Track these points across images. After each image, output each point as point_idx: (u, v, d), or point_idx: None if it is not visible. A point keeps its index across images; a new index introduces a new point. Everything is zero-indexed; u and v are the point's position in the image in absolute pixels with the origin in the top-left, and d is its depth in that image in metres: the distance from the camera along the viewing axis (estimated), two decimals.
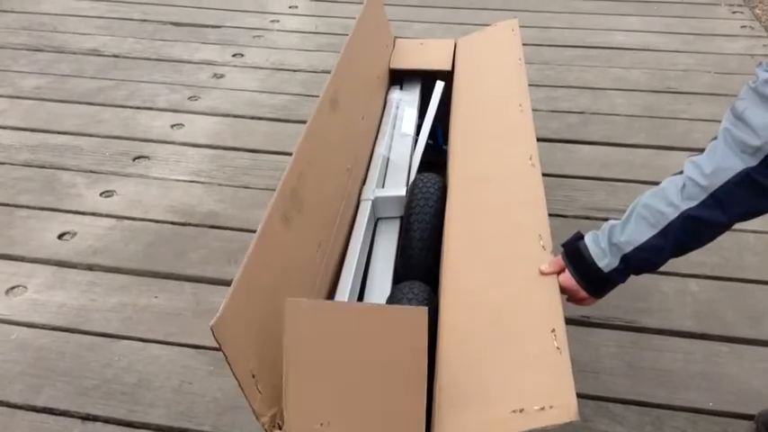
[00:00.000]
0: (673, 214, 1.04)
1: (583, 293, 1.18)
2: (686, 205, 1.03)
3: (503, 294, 1.19)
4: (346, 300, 1.28)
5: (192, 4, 3.80)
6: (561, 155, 2.51)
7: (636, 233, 1.09)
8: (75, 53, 3.25)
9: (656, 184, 2.47)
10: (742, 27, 3.45)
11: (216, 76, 3.08)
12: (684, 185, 1.03)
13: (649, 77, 3.00)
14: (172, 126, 2.68)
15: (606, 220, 2.12)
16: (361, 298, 1.36)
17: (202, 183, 2.34)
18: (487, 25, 2.62)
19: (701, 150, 1.04)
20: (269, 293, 1.09)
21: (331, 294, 1.33)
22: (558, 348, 1.04)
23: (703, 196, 1.01)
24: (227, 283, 0.98)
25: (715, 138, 1.03)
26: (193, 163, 2.45)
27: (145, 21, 3.61)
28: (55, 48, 3.30)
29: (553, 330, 1.07)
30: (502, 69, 1.96)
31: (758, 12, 3.65)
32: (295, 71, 3.13)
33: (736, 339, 1.74)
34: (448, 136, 2.09)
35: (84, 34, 3.44)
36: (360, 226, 1.50)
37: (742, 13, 3.62)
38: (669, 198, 1.05)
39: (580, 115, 2.74)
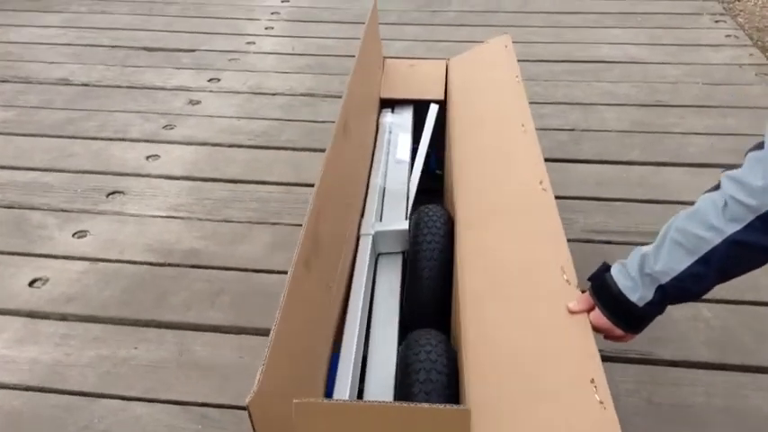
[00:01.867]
0: (715, 239, 0.92)
1: (618, 331, 1.07)
2: (732, 228, 0.90)
3: (530, 341, 1.07)
4: (353, 357, 1.15)
5: (165, 29, 3.68)
6: (554, 175, 2.35)
7: (672, 261, 0.97)
8: (42, 83, 3.11)
9: (655, 203, 2.37)
10: (726, 36, 3.41)
11: (191, 102, 2.95)
12: (726, 205, 0.90)
13: (638, 91, 2.93)
14: (147, 157, 2.54)
15: (608, 243, 2.09)
16: (366, 347, 1.24)
17: (181, 218, 2.21)
18: (468, 42, 2.54)
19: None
20: (297, 354, 0.98)
21: (337, 344, 1.21)
22: (601, 403, 0.93)
23: (750, 218, 0.88)
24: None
25: (756, 148, 0.91)
26: (171, 197, 2.32)
27: (115, 47, 3.47)
28: (22, 78, 3.15)
29: (593, 381, 0.96)
30: (499, 88, 1.87)
31: (741, 20, 3.62)
32: (274, 95, 3.02)
33: (756, 368, 1.65)
34: (441, 161, 2.00)
35: (52, 63, 3.30)
36: (362, 265, 1.38)
37: (725, 22, 3.58)
38: (709, 220, 0.92)
39: (571, 132, 2.66)
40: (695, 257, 0.95)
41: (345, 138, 1.44)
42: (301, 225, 1.09)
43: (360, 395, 1.15)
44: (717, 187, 0.95)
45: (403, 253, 1.50)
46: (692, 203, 2.39)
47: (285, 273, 0.97)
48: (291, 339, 0.96)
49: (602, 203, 2.25)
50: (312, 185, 1.18)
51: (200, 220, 2.20)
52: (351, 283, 1.35)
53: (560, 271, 1.17)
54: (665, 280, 0.99)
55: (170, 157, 2.55)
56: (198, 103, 2.95)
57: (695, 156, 2.44)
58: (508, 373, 1.02)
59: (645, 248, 1.02)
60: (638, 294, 1.02)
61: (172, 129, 2.74)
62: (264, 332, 0.87)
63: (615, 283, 1.05)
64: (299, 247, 1.03)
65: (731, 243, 0.91)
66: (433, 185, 1.93)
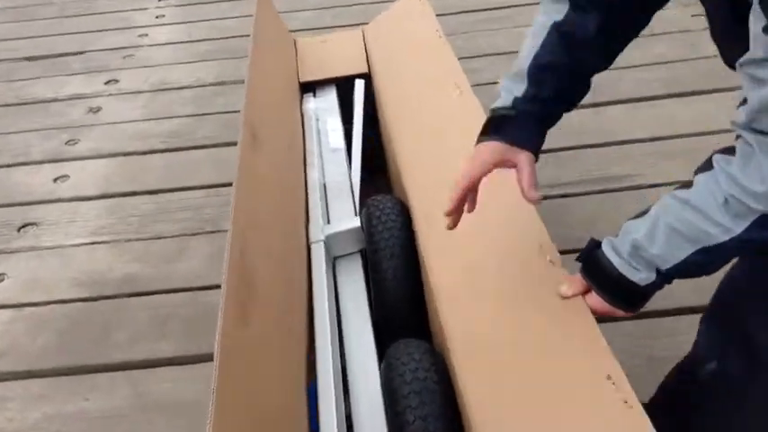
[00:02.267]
0: (722, 236, 0.84)
1: (619, 312, 0.99)
2: (739, 227, 0.83)
3: (526, 337, 0.96)
4: (332, 387, 1.03)
5: (45, 33, 3.38)
6: None
7: (672, 248, 0.88)
8: None
9: (601, 146, 2.29)
10: None
11: (92, 110, 2.71)
12: (727, 202, 0.83)
13: None
14: (55, 180, 2.32)
15: (564, 196, 2.01)
16: (344, 372, 1.12)
17: (106, 242, 2.02)
18: (380, 3, 2.39)
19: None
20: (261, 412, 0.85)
21: (311, 366, 1.08)
22: (625, 402, 0.84)
23: (756, 216, 0.82)
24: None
25: (747, 142, 0.83)
26: (90, 220, 2.11)
27: None
28: None
29: (609, 377, 0.87)
30: (423, 50, 1.74)
31: None
32: (180, 88, 2.81)
33: None
34: (378, 134, 1.86)
35: None
36: (320, 279, 1.24)
37: None
38: (711, 216, 0.84)
39: None
40: (698, 246, 0.87)
41: (256, 147, 1.28)
42: None
43: (349, 426, 1.03)
44: (708, 166, 0.87)
45: (361, 251, 1.38)
46: (635, 142, 2.32)
47: None
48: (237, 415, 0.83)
49: (550, 155, 2.17)
50: None
51: (127, 241, 2.02)
52: (311, 301, 1.21)
53: (538, 249, 1.08)
54: (664, 266, 0.90)
55: (80, 175, 2.33)
56: (99, 110, 2.71)
57: (631, 92, 2.39)
58: (510, 378, 0.92)
59: (634, 232, 0.93)
60: (639, 275, 0.93)
61: (76, 143, 2.51)
62: None
63: (611, 263, 0.96)
64: (223, 303, 0.88)
65: (739, 240, 0.84)
66: (377, 164, 1.81)
